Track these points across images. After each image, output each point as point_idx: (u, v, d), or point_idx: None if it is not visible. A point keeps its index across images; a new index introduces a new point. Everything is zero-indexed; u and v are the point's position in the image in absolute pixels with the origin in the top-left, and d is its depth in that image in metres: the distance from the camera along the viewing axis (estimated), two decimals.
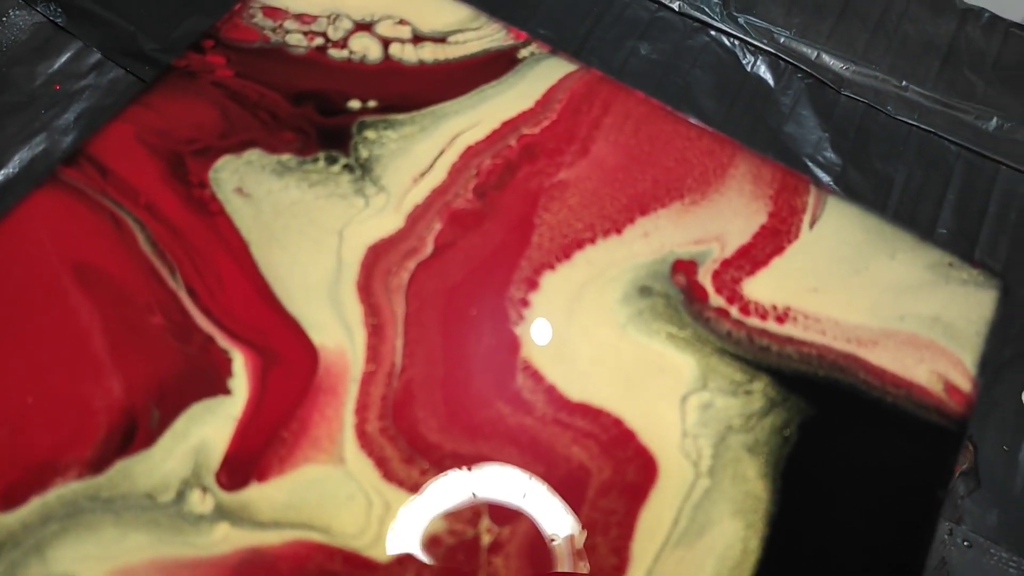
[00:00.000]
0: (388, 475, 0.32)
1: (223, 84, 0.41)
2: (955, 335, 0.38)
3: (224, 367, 0.34)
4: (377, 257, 0.37)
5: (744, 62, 0.47)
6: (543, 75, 0.43)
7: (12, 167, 0.39)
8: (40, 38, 0.44)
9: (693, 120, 0.43)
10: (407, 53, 0.43)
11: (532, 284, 0.37)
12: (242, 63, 0.41)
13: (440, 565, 0.31)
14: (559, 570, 0.31)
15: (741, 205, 0.40)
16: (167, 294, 0.35)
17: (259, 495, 0.31)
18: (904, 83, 0.47)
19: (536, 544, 0.32)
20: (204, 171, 0.38)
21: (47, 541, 0.30)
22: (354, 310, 0.36)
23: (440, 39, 0.43)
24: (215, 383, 0.34)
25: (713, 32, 0.48)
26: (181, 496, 0.31)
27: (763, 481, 0.34)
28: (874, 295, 0.38)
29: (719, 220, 0.40)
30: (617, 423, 0.35)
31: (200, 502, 0.31)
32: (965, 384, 0.36)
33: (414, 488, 0.32)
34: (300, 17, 0.43)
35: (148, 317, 0.35)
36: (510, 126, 0.41)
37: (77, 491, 0.31)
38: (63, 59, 0.44)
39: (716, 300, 0.38)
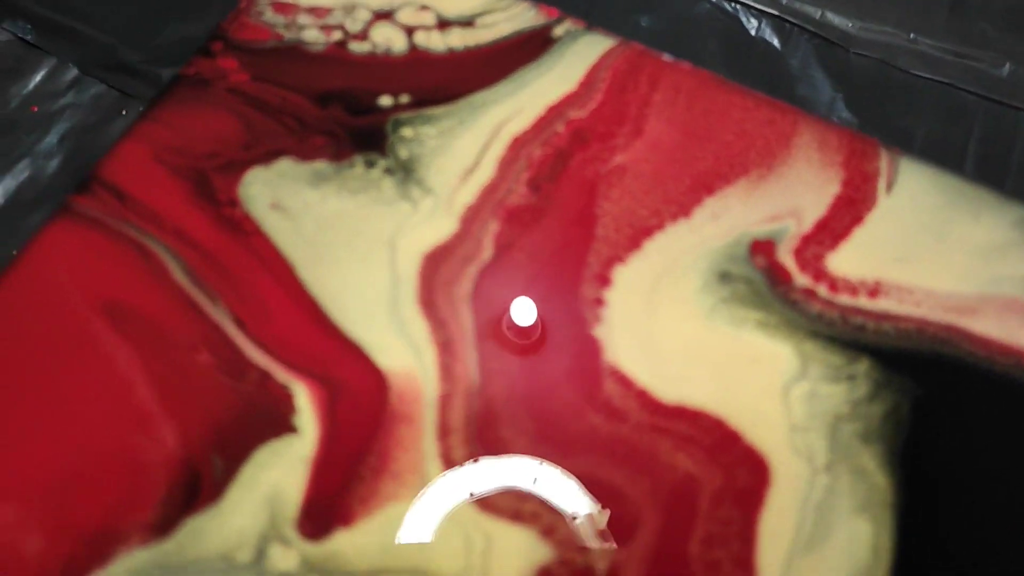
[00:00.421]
0: (484, 505, 0.29)
1: (240, 90, 0.37)
2: None
3: (286, 403, 0.31)
4: (435, 266, 0.34)
5: (748, 27, 0.46)
6: (582, 53, 0.40)
7: None
8: (10, 57, 0.41)
9: (747, 89, 0.40)
10: (434, 41, 0.39)
11: (604, 280, 0.34)
12: (257, 65, 0.37)
13: None
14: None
15: (811, 175, 0.38)
16: (211, 327, 0.32)
17: (348, 543, 0.28)
18: (913, 36, 0.46)
19: (657, 559, 0.29)
20: (232, 188, 0.34)
21: None
22: (419, 327, 0.33)
23: (467, 23, 0.40)
24: (279, 422, 0.30)
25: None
26: (261, 553, 0.28)
27: (884, 471, 0.31)
28: (963, 260, 0.36)
29: (790, 194, 0.37)
30: (719, 424, 0.32)
31: (283, 558, 0.28)
32: None
33: (515, 517, 0.29)
34: (313, 10, 0.39)
35: (194, 355, 0.31)
36: (555, 111, 0.38)
37: (144, 560, 0.27)
38: (38, 78, 0.40)
39: (801, 280, 0.35)
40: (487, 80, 0.38)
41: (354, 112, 0.37)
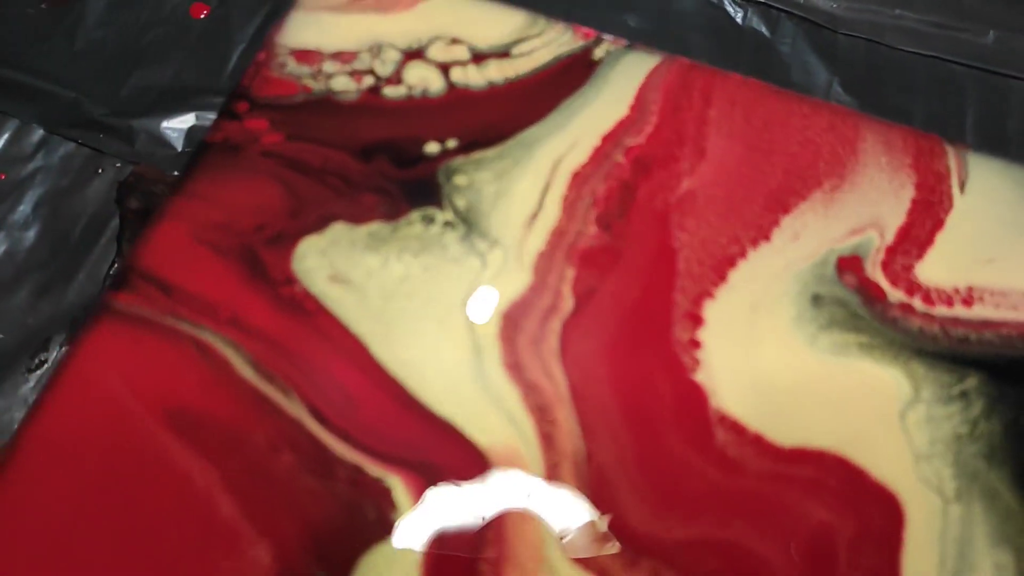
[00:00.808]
0: None
1: (276, 152, 0.34)
2: None
3: (384, 499, 0.28)
4: (515, 324, 0.31)
5: (735, 17, 0.45)
6: (628, 74, 0.37)
7: None
8: None
9: (802, 96, 0.38)
10: (472, 77, 0.37)
11: (696, 320, 0.32)
12: (290, 123, 0.34)
13: None
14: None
15: (884, 181, 0.36)
16: (288, 423, 0.29)
17: None
18: (897, 11, 0.45)
19: None
20: (286, 263, 0.32)
21: None
22: (510, 394, 0.30)
23: (503, 53, 0.37)
24: (380, 522, 0.28)
25: None
26: None
27: (1014, 493, 0.30)
28: None
29: (867, 203, 0.35)
30: (842, 462, 0.30)
31: None
32: None
33: None
34: (338, 56, 0.36)
35: (275, 457, 0.28)
36: (611, 140, 0.36)
37: None
38: (1, 143, 0.38)
39: (895, 295, 0.33)
40: (535, 114, 0.36)
41: (401, 164, 0.34)
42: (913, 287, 0.34)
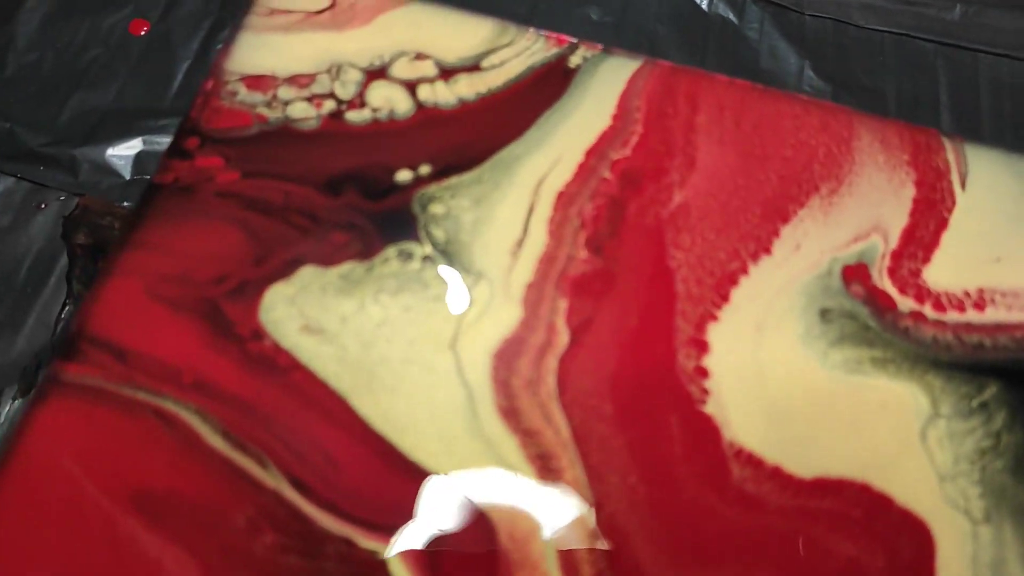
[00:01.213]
0: None
1: (233, 192, 0.31)
2: None
3: (381, 574, 0.25)
4: (507, 365, 0.29)
5: (701, 4, 0.45)
6: (607, 81, 0.35)
7: None
8: None
9: (791, 94, 0.36)
10: (441, 94, 0.34)
11: (700, 345, 0.30)
12: (246, 158, 0.31)
13: None
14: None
15: (883, 181, 0.34)
16: (267, 497, 0.26)
17: None
18: None
19: None
20: (252, 316, 0.29)
21: None
22: (508, 444, 0.28)
23: (472, 67, 0.35)
24: None
25: None
26: None
27: None
28: None
29: (868, 206, 0.33)
30: (865, 490, 0.28)
31: None
32: None
33: None
34: (294, 80, 0.33)
35: (255, 537, 0.26)
36: (595, 154, 0.33)
37: None
38: None
39: (905, 303, 0.32)
40: (511, 131, 0.33)
41: (371, 195, 0.31)
42: (923, 293, 0.32)
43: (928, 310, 0.32)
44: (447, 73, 0.34)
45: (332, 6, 0.35)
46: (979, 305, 0.32)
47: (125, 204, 0.36)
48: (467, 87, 0.34)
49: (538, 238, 0.31)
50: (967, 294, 0.32)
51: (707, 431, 0.29)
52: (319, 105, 0.33)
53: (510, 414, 0.28)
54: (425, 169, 0.32)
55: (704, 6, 0.45)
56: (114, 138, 0.38)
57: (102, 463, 0.26)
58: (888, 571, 0.27)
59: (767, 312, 0.31)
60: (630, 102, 0.35)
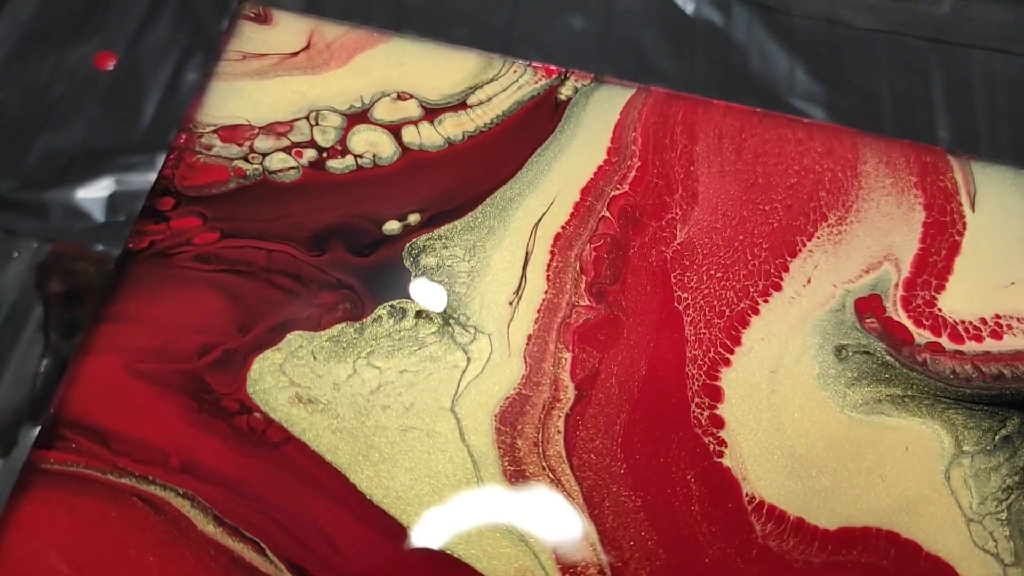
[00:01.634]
0: None
1: (212, 255, 0.29)
2: None
3: None
4: (512, 426, 0.28)
5: (685, 8, 0.43)
6: (600, 113, 0.34)
7: None
8: None
9: (792, 117, 0.35)
10: (427, 136, 0.32)
11: (714, 393, 0.29)
12: (225, 217, 0.30)
13: None
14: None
15: (891, 206, 0.33)
16: None
17: None
18: None
19: None
20: (239, 388, 0.27)
21: None
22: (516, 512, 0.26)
23: (458, 105, 0.33)
24: None
25: None
26: None
27: None
28: None
29: (878, 233, 0.32)
30: (892, 537, 0.27)
31: None
32: None
33: None
34: (271, 128, 0.32)
35: None
36: (592, 191, 0.32)
37: None
38: None
39: (922, 336, 0.30)
40: (503, 171, 0.32)
41: (359, 250, 0.30)
42: (939, 324, 0.31)
43: (946, 341, 0.30)
44: (432, 113, 0.33)
45: (307, 47, 0.33)
46: (996, 333, 0.31)
47: (99, 248, 0.35)
48: (453, 127, 0.33)
49: (537, 286, 0.30)
50: (984, 322, 0.31)
51: (726, 485, 0.27)
52: (299, 155, 0.31)
53: (516, 478, 0.27)
54: (414, 218, 0.31)
55: (689, 11, 0.44)
56: (85, 179, 0.36)
57: (88, 556, 0.24)
58: None
59: (781, 354, 0.30)
60: (625, 134, 0.33)
